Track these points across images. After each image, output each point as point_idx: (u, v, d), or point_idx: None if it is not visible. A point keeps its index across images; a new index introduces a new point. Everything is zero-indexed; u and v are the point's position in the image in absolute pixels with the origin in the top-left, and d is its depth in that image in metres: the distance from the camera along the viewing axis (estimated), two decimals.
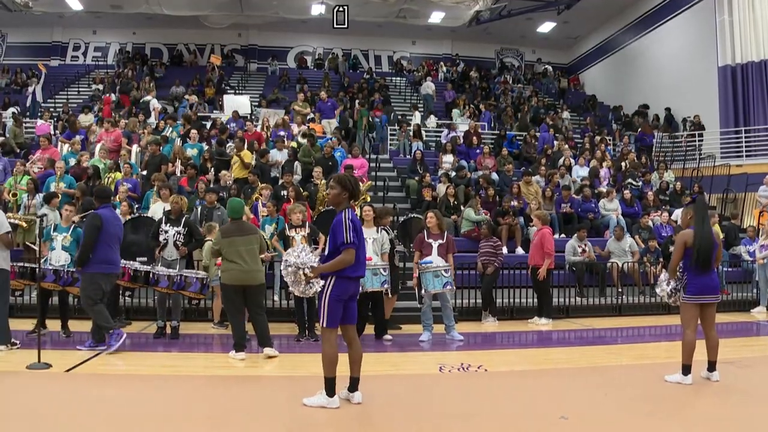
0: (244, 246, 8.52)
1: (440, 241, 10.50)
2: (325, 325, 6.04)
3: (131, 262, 9.87)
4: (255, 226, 9.43)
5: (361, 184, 14.93)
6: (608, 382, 7.38)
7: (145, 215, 12.66)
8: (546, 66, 35.10)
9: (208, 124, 20.19)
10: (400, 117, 24.45)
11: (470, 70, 32.94)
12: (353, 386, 6.20)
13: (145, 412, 5.91)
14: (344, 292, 6.00)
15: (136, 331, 10.48)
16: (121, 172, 14.84)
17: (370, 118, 22.22)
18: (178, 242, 10.06)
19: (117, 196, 13.46)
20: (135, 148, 16.75)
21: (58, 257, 9.68)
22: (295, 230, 10.34)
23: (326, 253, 6.16)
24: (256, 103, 24.95)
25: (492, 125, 24.92)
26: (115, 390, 6.74)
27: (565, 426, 5.60)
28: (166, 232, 10.06)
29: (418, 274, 10.35)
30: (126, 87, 26.31)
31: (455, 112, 25.83)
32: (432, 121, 23.59)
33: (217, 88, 27.41)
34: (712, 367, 7.24)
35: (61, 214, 10.59)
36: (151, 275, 9.62)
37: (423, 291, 10.26)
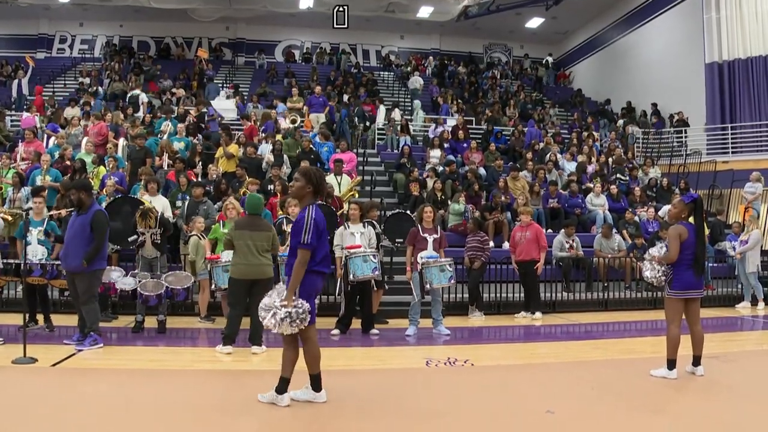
0: (253, 240, 8.52)
1: (435, 236, 10.54)
2: None
3: (119, 277, 9.95)
4: (269, 224, 9.38)
5: (350, 179, 14.95)
6: (594, 376, 7.41)
7: (130, 196, 12.62)
8: (547, 58, 35.13)
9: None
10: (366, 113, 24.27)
11: (450, 64, 33.00)
12: (283, 385, 5.98)
13: (133, 407, 5.89)
14: (313, 287, 5.90)
15: (122, 325, 10.44)
16: (105, 166, 14.77)
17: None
18: (156, 241, 10.01)
19: (104, 190, 13.39)
20: (122, 141, 16.65)
21: (35, 251, 9.61)
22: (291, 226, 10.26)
23: (288, 248, 6.05)
24: (246, 99, 24.88)
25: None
26: (102, 384, 6.73)
27: (552, 420, 5.62)
28: (143, 233, 10.01)
29: (420, 269, 10.25)
30: (149, 74, 26.45)
31: (416, 103, 25.67)
32: (397, 114, 23.47)
33: (199, 81, 27.31)
34: (696, 361, 7.29)
35: (48, 208, 10.53)
36: (138, 293, 9.63)
37: (428, 286, 10.22)
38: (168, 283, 9.91)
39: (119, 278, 10.07)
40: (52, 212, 10.95)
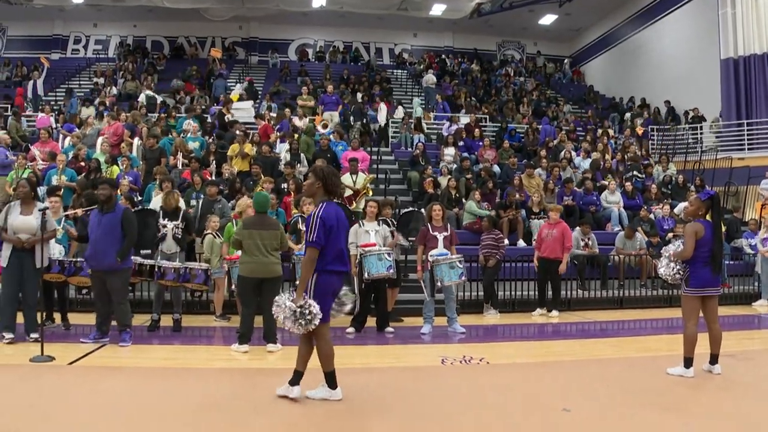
0: (262, 240, 8.56)
1: (445, 234, 10.51)
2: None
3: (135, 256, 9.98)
4: (277, 222, 9.41)
5: (364, 175, 14.93)
6: (610, 374, 7.38)
7: (148, 208, 12.62)
8: (566, 62, 35.01)
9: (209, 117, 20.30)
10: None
11: (464, 61, 32.96)
12: (296, 378, 6.11)
13: (148, 405, 5.92)
14: (329, 285, 5.93)
15: (138, 324, 10.44)
16: (118, 165, 14.84)
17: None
18: (177, 235, 10.10)
19: (119, 190, 13.43)
20: (137, 141, 16.72)
21: (52, 250, 9.66)
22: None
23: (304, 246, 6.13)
24: (260, 98, 24.93)
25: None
26: (118, 382, 6.76)
27: (567, 418, 5.61)
28: (165, 226, 10.10)
29: (430, 267, 10.21)
30: (186, 74, 26.72)
31: (415, 101, 25.41)
32: (400, 112, 23.35)
33: (206, 79, 27.42)
34: (714, 360, 7.25)
35: (64, 207, 10.58)
36: (156, 268, 9.64)
37: (438, 283, 10.17)
38: (186, 264, 9.97)
39: (137, 257, 10.11)
40: (68, 212, 10.99)
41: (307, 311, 5.73)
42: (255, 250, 8.54)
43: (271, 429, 5.40)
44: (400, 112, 23.14)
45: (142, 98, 22.96)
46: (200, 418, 5.55)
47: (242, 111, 22.15)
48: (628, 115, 26.58)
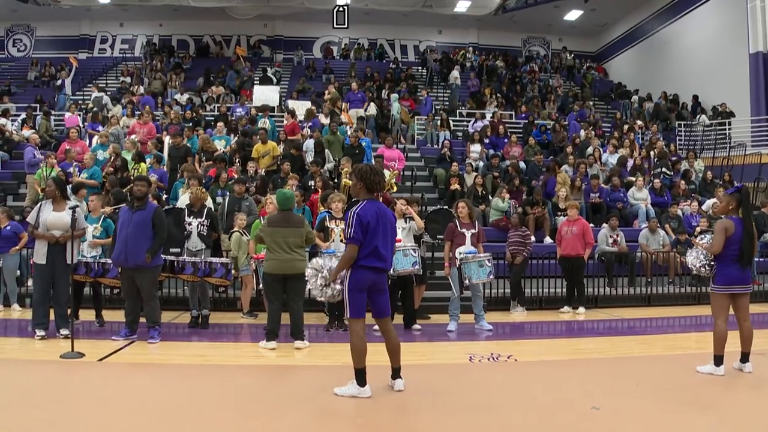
0: (286, 237, 8.60)
1: (473, 231, 10.48)
2: (349, 316, 6.09)
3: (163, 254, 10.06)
4: (302, 219, 9.41)
5: (388, 172, 14.89)
6: (639, 372, 7.31)
7: (176, 207, 12.70)
8: (592, 69, 34.77)
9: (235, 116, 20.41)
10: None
11: (489, 58, 32.84)
12: (395, 374, 6.27)
13: (176, 401, 5.96)
14: (362, 281, 5.99)
15: (165, 321, 10.52)
16: (146, 163, 14.94)
17: None
18: (202, 233, 10.13)
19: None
20: (167, 139, 16.82)
21: (84, 250, 9.75)
22: (335, 222, 10.26)
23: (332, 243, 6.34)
24: (285, 95, 25.01)
25: (433, 112, 24.25)
26: (146, 379, 6.83)
27: (597, 416, 5.57)
28: (190, 224, 10.15)
29: (459, 265, 10.19)
30: (245, 83, 26.81)
31: (393, 96, 24.55)
32: (372, 108, 23.14)
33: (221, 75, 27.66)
34: (745, 358, 7.15)
35: (87, 205, 10.68)
36: (176, 264, 9.68)
37: (467, 281, 10.16)
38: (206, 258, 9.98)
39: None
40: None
41: (338, 289, 6.21)
42: (278, 247, 8.59)
43: (299, 424, 5.41)
44: (372, 109, 22.76)
45: (95, 96, 22.41)
46: (228, 414, 5.57)
47: (267, 95, 22.12)
48: (635, 98, 26.46)
